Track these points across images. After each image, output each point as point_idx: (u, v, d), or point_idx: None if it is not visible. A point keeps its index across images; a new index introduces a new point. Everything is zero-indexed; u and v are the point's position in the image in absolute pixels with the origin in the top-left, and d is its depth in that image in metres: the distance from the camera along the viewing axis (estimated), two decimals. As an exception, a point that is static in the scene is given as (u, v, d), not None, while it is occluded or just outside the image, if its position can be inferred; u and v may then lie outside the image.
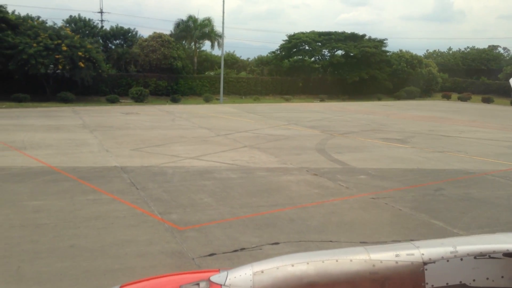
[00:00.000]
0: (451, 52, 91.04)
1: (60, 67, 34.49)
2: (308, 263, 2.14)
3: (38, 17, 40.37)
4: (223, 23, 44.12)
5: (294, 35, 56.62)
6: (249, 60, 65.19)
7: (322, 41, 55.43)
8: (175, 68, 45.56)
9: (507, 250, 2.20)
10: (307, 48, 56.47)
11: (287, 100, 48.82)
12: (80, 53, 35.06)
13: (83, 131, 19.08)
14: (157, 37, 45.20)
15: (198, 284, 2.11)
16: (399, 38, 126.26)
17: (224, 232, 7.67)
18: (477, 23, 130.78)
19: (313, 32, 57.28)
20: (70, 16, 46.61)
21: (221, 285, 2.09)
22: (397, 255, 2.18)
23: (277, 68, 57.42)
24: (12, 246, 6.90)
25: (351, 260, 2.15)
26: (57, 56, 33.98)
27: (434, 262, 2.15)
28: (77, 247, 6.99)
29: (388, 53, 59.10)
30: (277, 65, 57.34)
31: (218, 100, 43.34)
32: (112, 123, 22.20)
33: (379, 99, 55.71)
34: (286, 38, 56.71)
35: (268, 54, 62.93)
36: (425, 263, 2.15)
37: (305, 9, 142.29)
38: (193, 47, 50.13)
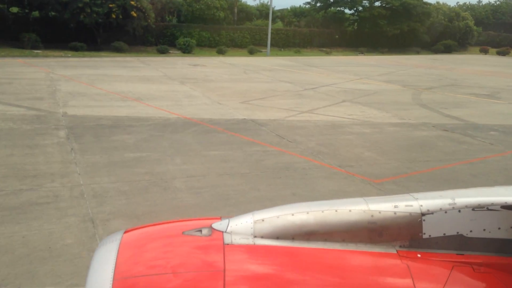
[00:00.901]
0: (481, 4, 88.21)
1: (113, 16, 34.20)
2: (308, 213, 2.19)
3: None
4: None
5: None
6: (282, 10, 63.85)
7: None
8: (217, 19, 44.95)
9: (505, 202, 2.23)
10: (345, -1, 55.09)
11: (327, 53, 48.29)
12: (132, 2, 34.67)
13: (174, 83, 19.37)
14: (200, -14, 44.30)
15: (200, 231, 2.15)
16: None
17: (422, 186, 8.13)
18: None
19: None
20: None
21: (222, 232, 2.14)
22: (395, 206, 2.22)
23: (314, 19, 56.33)
24: (241, 194, 7.41)
25: (350, 211, 2.19)
26: (110, 5, 33.65)
27: (432, 213, 2.20)
28: (298, 195, 7.51)
29: (428, 6, 57.52)
30: (314, 16, 56.21)
31: (261, 52, 43.01)
32: (192, 75, 22.40)
33: (418, 52, 54.92)
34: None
35: (302, 5, 61.50)
36: (423, 214, 2.19)
37: None
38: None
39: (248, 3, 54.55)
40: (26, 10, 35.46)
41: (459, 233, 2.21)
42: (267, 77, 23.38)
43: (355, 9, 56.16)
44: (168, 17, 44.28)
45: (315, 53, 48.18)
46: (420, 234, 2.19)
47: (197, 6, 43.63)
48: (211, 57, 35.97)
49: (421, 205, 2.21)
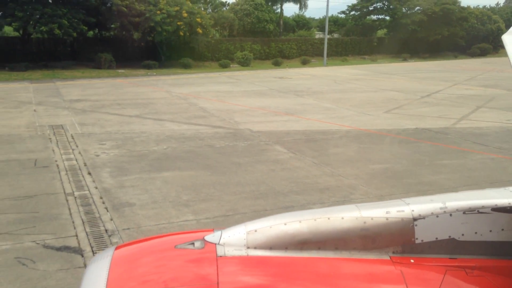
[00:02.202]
0: (500, 6, 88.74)
1: (181, 33, 34.93)
2: (300, 222, 2.19)
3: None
4: None
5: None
6: (315, 20, 64.63)
7: (401, -1, 54.64)
8: (267, 31, 45.72)
9: (496, 204, 2.26)
10: (383, 6, 55.84)
11: (372, 60, 48.86)
12: (198, 19, 35.45)
13: (290, 96, 19.85)
14: (250, 1, 45.16)
15: (193, 244, 2.14)
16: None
17: None
18: None
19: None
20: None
21: (215, 244, 2.13)
22: (387, 212, 2.23)
23: (353, 28, 57.06)
24: None
25: (342, 218, 2.21)
26: (178, 23, 34.39)
27: (423, 218, 2.21)
28: None
29: (466, 10, 58.12)
30: (352, 25, 56.94)
31: (313, 62, 43.62)
32: (294, 87, 22.90)
33: (456, 57, 55.48)
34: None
35: (338, 14, 62.27)
36: (415, 219, 2.21)
37: None
38: (278, 9, 49.87)
39: (285, 14, 54.93)
40: (101, 31, 36.37)
41: (451, 237, 2.23)
42: (365, 86, 23.87)
43: (394, 16, 56.85)
44: (221, 31, 45.05)
45: (360, 61, 48.77)
46: (412, 239, 2.21)
47: (248, 20, 44.41)
48: (273, 69, 36.55)
49: (413, 210, 2.23)
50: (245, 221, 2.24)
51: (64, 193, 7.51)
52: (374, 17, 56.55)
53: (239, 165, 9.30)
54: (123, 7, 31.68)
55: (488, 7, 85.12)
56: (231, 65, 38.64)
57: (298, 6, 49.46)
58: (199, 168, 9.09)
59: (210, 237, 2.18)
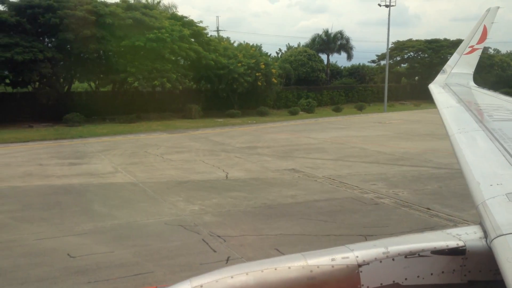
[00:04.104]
0: None
1: (259, 83, 37.11)
2: (247, 274, 2.20)
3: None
4: (388, 39, 46.85)
5: (404, 42, 59.45)
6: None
7: (434, 48, 58.22)
8: (319, 80, 48.32)
9: (435, 247, 2.33)
10: (417, 56, 59.35)
11: (416, 105, 51.50)
12: (273, 70, 37.84)
13: (427, 139, 21.51)
14: (303, 52, 48.04)
15: None
16: (360, 41, 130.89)
17: None
18: (431, 26, 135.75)
19: (419, 40, 60.18)
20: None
21: None
22: (333, 259, 2.26)
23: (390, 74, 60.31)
24: None
25: (289, 268, 2.22)
26: (257, 74, 36.65)
27: (368, 263, 2.25)
28: None
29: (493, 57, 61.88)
30: (390, 71, 60.20)
31: (366, 108, 45.95)
32: (413, 131, 24.58)
33: (486, 100, 58.70)
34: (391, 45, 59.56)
35: (368, 63, 65.69)
36: (359, 265, 2.25)
37: (266, 18, 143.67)
38: (326, 59, 52.82)
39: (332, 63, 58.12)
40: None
41: (395, 282, 2.29)
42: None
43: (426, 63, 60.34)
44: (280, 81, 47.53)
45: (405, 107, 51.36)
46: (358, 286, 2.25)
47: (303, 70, 47.03)
48: (360, 114, 38.66)
49: (357, 256, 2.28)
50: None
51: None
52: (403, 65, 59.95)
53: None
54: (212, 61, 33.85)
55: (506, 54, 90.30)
56: (300, 112, 40.73)
57: (346, 55, 52.25)
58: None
59: None
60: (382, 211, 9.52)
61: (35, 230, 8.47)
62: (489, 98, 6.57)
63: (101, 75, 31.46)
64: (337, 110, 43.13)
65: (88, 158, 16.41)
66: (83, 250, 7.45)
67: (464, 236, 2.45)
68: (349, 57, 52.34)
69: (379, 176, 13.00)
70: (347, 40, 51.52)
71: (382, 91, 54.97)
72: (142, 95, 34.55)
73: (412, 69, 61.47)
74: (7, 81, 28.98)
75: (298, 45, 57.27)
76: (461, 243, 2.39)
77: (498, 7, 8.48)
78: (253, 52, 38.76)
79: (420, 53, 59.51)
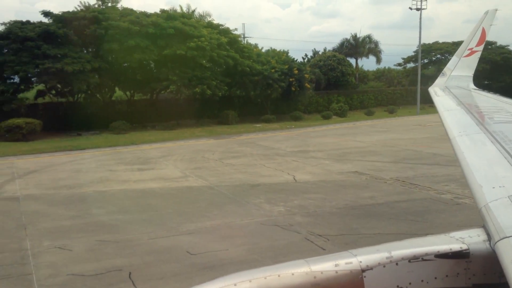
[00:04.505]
0: None
1: (293, 89, 37.55)
2: (250, 281, 2.19)
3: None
4: (419, 41, 46.92)
5: (430, 45, 59.25)
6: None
7: (462, 50, 57.90)
8: (349, 84, 48.51)
9: (438, 251, 2.33)
10: (444, 58, 59.03)
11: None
12: (306, 76, 38.26)
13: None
14: (332, 56, 48.34)
15: None
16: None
17: None
18: (444, 29, 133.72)
19: (446, 43, 59.93)
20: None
21: None
22: (336, 265, 2.25)
23: (413, 78, 60.11)
24: None
25: (292, 274, 2.22)
26: (290, 79, 37.10)
27: (371, 268, 2.25)
28: None
29: None
30: (414, 75, 59.99)
31: (396, 112, 45.93)
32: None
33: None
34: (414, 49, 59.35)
35: (393, 67, 65.51)
36: (363, 271, 2.24)
37: (277, 23, 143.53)
38: (355, 63, 53.01)
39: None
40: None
41: (399, 287, 2.29)
42: None
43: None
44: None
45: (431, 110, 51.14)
46: None
47: (333, 74, 47.29)
48: (397, 118, 38.75)
49: (361, 262, 2.27)
50: None
51: None
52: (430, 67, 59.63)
53: None
54: (247, 68, 34.42)
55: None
56: (332, 116, 40.99)
57: (375, 59, 52.42)
58: None
59: None
60: (468, 211, 9.78)
61: (143, 230, 9.01)
62: (489, 101, 6.60)
63: (141, 84, 32.29)
64: (369, 114, 43.23)
65: (152, 163, 17.01)
66: (199, 248, 7.94)
67: (468, 239, 2.44)
68: (378, 60, 52.48)
69: (447, 178, 13.23)
70: (376, 43, 51.78)
71: (411, 94, 54.96)
72: (177, 102, 35.34)
73: (440, 71, 61.17)
74: (53, 92, 30.06)
75: (324, 49, 57.63)
76: (464, 246, 2.38)
77: (496, 10, 8.61)
78: (284, 58, 39.27)
79: (447, 55, 59.29)
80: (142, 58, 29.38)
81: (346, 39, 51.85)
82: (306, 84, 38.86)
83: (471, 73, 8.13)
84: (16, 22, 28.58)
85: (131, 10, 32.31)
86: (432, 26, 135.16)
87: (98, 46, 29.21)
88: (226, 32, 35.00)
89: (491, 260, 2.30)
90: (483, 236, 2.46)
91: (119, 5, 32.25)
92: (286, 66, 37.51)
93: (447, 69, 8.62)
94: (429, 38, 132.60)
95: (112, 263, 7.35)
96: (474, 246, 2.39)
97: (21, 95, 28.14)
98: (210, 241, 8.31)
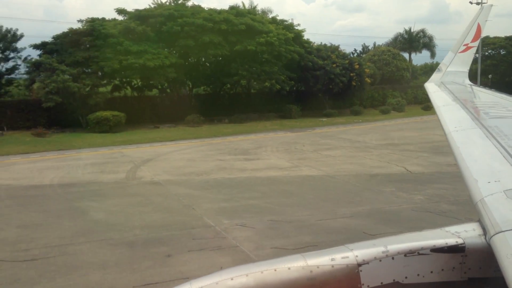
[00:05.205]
0: None
1: (353, 83, 37.75)
2: (247, 275, 2.20)
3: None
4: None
5: (482, 39, 57.92)
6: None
7: (518, 44, 56.43)
8: (403, 79, 48.18)
9: (434, 245, 2.34)
10: (497, 52, 57.74)
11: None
12: (367, 70, 38.38)
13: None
14: (387, 51, 48.11)
15: None
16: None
17: None
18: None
19: (498, 37, 58.54)
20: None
21: None
22: (332, 259, 2.26)
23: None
24: None
25: (289, 268, 2.23)
26: (351, 74, 37.30)
27: (367, 263, 2.25)
28: None
29: None
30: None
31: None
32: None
33: None
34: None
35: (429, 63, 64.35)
36: (359, 265, 2.25)
37: (302, 18, 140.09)
38: (408, 57, 52.55)
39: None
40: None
41: (396, 281, 2.30)
42: None
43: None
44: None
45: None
46: (359, 285, 2.26)
47: (388, 69, 47.09)
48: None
49: (357, 256, 2.28)
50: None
51: None
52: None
53: None
54: (310, 62, 34.84)
55: None
56: (391, 111, 40.94)
57: (429, 54, 51.88)
58: None
59: None
60: None
61: (303, 213, 9.66)
62: (485, 96, 6.63)
63: (212, 78, 33.20)
64: (426, 109, 42.79)
65: (253, 154, 17.77)
66: (371, 229, 8.50)
67: (463, 233, 2.47)
68: (432, 55, 51.85)
69: None
70: (430, 38, 51.09)
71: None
72: (240, 97, 36.12)
73: (493, 66, 59.85)
74: (128, 87, 31.40)
75: (374, 44, 57.36)
76: (460, 241, 2.41)
77: (492, 5, 8.68)
78: (343, 53, 39.47)
79: (501, 50, 57.95)
80: (215, 53, 30.25)
81: (400, 33, 51.52)
82: (367, 79, 39.01)
83: (466, 68, 8.20)
84: (96, 19, 30.05)
85: (199, 6, 33.30)
86: (460, 20, 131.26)
87: (173, 42, 30.29)
88: (289, 27, 35.52)
89: (486, 254, 2.34)
90: (479, 231, 2.48)
91: (189, 3, 33.28)
92: (347, 61, 37.77)
93: (443, 64, 8.73)
94: (457, 32, 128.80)
95: (301, 239, 8.01)
96: (469, 240, 2.43)
97: (102, 89, 29.57)
98: (376, 224, 8.87)
